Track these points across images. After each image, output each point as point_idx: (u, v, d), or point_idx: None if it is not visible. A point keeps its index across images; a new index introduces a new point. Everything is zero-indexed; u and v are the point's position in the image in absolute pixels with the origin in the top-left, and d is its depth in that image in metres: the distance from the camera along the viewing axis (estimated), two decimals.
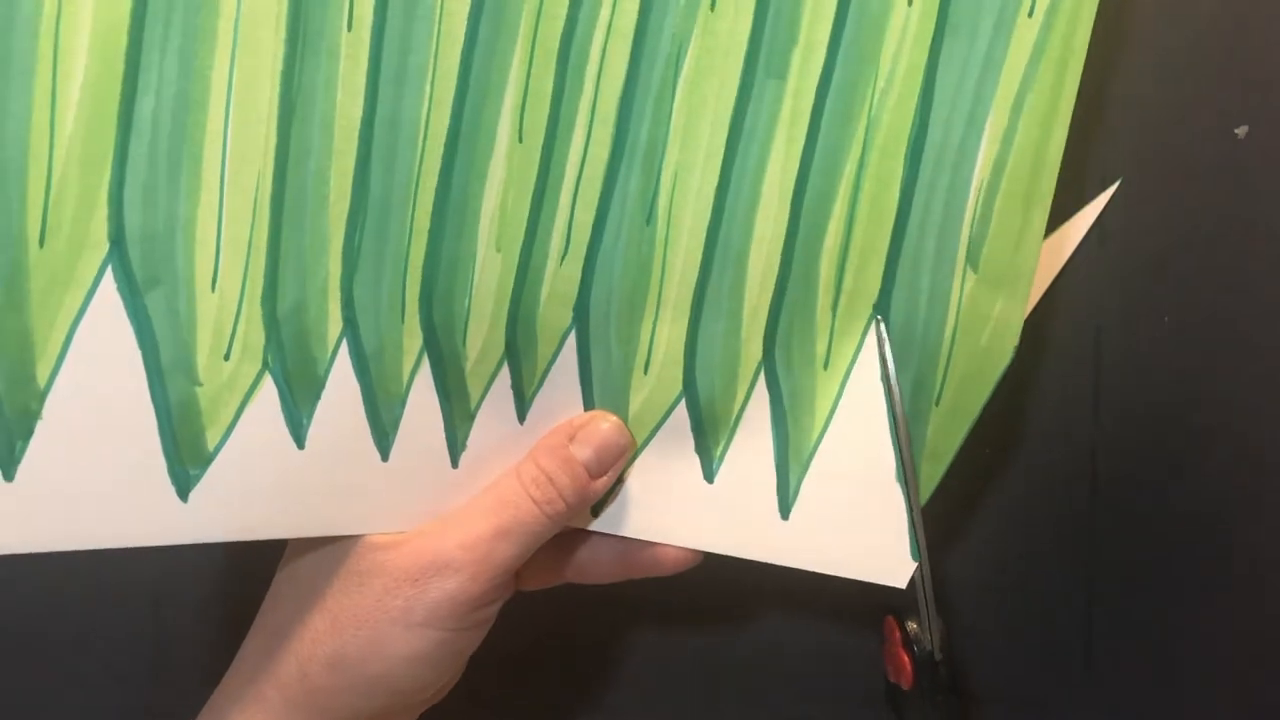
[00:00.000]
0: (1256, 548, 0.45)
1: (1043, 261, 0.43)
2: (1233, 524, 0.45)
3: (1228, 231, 0.43)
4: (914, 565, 0.37)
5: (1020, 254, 0.36)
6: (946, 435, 0.37)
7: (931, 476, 0.37)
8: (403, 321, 0.34)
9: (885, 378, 0.36)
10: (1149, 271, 0.44)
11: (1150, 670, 0.46)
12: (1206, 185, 0.43)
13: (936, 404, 0.37)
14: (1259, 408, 0.44)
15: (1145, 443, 0.45)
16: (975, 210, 0.35)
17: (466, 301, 0.34)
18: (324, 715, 0.33)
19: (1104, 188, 0.43)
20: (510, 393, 0.36)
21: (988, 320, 0.36)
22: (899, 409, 0.36)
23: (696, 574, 0.38)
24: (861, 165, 0.35)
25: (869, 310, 0.36)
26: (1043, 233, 0.36)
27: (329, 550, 0.34)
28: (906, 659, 0.38)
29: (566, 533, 0.38)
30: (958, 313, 0.36)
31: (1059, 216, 0.43)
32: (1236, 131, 0.43)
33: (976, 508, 0.45)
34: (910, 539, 0.37)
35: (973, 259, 0.35)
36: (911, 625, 0.38)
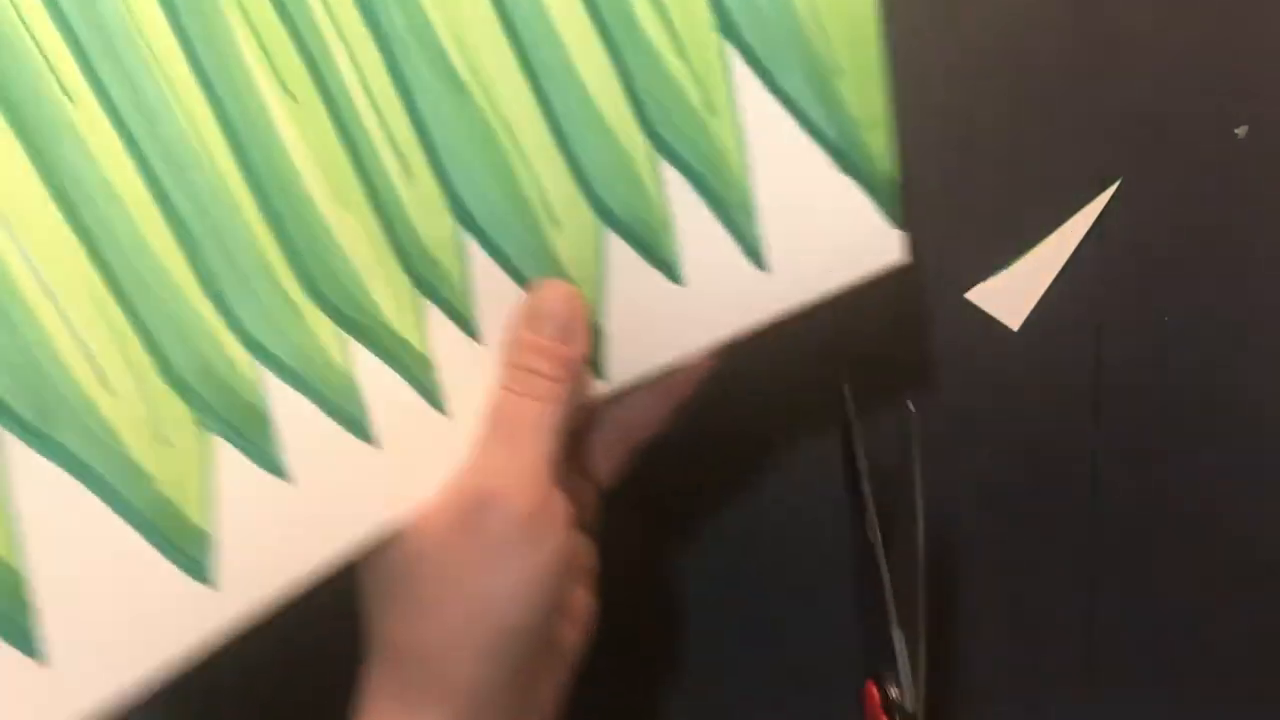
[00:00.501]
0: (1257, 548, 0.45)
1: (1043, 262, 0.43)
2: (1233, 524, 0.45)
3: (1228, 231, 0.43)
4: (899, 233, 0.36)
5: None
6: (867, 97, 0.35)
7: (879, 143, 0.35)
8: (303, 316, 0.33)
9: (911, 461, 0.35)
10: (1149, 271, 0.44)
11: (1150, 670, 0.46)
12: (1206, 185, 0.43)
13: (839, 75, 0.35)
14: (1259, 407, 0.44)
15: (1145, 443, 0.45)
16: None
17: (348, 267, 0.33)
18: (488, 704, 0.33)
19: (1104, 188, 0.43)
20: (450, 322, 0.35)
21: None
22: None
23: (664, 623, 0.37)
24: None
25: (712, 32, 0.34)
26: None
27: (384, 556, 0.34)
28: None
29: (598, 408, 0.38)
30: None
31: (1059, 217, 0.43)
32: (1236, 131, 0.43)
33: (976, 507, 0.45)
34: (881, 210, 0.36)
35: None
36: (893, 691, 0.37)
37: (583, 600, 0.36)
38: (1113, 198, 0.43)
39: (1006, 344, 0.44)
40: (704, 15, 0.34)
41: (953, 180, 0.43)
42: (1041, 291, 0.43)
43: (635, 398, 0.38)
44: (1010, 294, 0.44)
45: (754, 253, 0.36)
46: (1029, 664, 0.46)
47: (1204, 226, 0.43)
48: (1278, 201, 0.43)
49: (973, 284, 0.44)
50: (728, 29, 0.34)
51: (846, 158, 0.35)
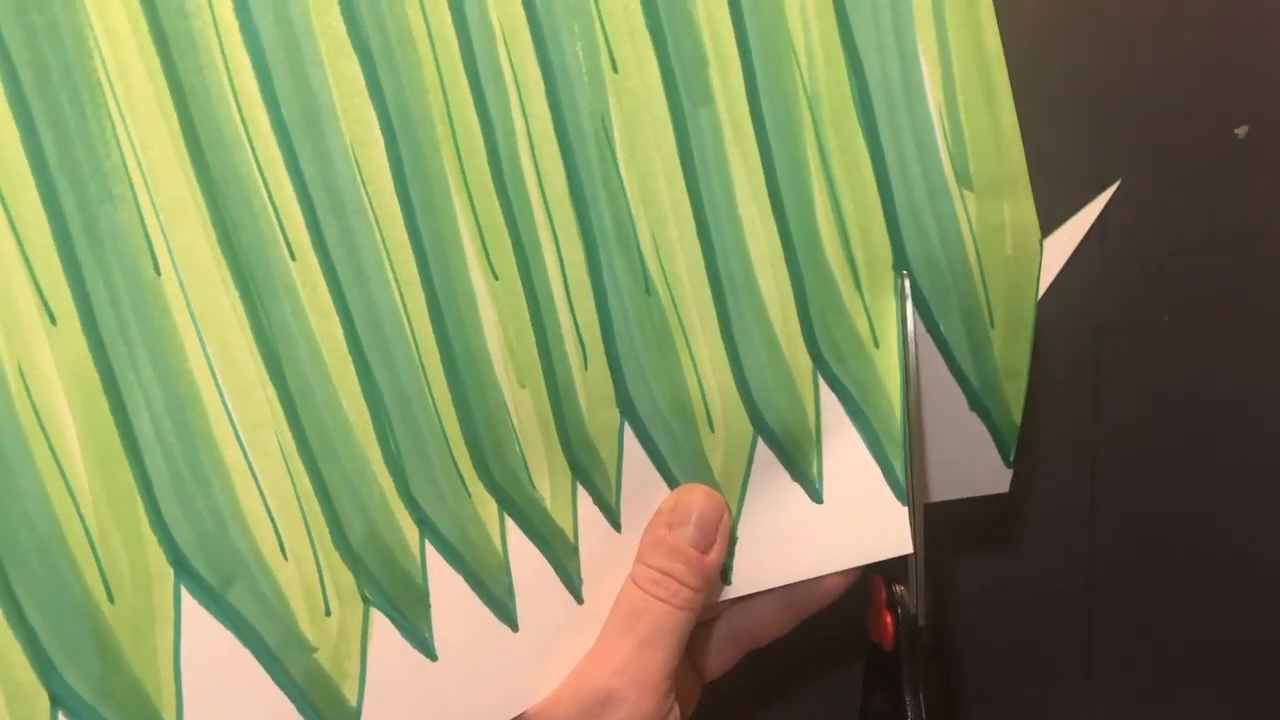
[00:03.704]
0: (1256, 548, 0.45)
1: (1043, 261, 0.43)
2: (1233, 524, 0.45)
3: (1228, 231, 0.43)
4: (1010, 473, 0.39)
5: (1004, 153, 0.36)
6: (1014, 351, 0.37)
7: (1016, 394, 0.38)
8: (470, 495, 0.33)
9: (901, 318, 0.36)
10: (1149, 271, 0.44)
11: (1150, 670, 0.46)
12: (1206, 185, 0.43)
13: (992, 326, 0.37)
14: (1259, 408, 0.44)
15: (1145, 443, 0.45)
16: (944, 131, 0.35)
17: (517, 448, 0.34)
18: None
19: (1104, 188, 0.43)
20: (597, 509, 0.35)
21: (1003, 228, 0.36)
22: (912, 349, 0.36)
23: None
24: (820, 143, 0.35)
25: (891, 273, 0.36)
26: (1017, 125, 0.36)
27: None
28: (889, 620, 0.38)
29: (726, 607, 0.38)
30: (973, 234, 0.36)
31: (1059, 217, 0.43)
32: (1236, 131, 0.43)
33: (977, 507, 0.45)
34: (999, 452, 0.38)
35: (963, 178, 0.36)
36: (898, 587, 0.38)
37: None
38: (1113, 198, 0.43)
39: None
40: (884, 252, 0.36)
41: None
42: (1042, 292, 0.43)
43: (758, 606, 0.38)
44: None
45: (895, 484, 0.37)
46: (1029, 664, 0.46)
47: (1204, 226, 0.43)
48: (1278, 201, 0.43)
49: None
50: (900, 264, 0.36)
51: (982, 401, 0.38)
